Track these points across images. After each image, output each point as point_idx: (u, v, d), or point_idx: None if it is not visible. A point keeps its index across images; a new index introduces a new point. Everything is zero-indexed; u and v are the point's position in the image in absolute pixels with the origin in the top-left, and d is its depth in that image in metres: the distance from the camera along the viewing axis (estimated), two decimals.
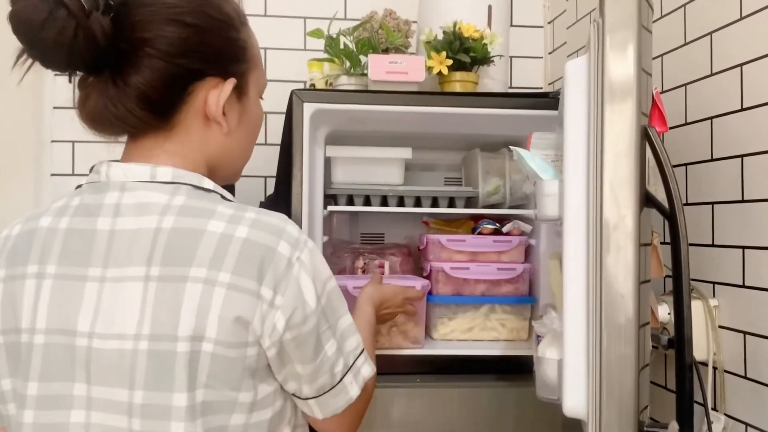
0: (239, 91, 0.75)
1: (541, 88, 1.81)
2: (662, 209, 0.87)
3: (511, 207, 1.50)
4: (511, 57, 1.76)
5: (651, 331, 1.06)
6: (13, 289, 0.69)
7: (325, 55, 1.43)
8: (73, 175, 1.70)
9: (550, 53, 1.81)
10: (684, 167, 1.19)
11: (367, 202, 1.43)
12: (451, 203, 1.46)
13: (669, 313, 1.14)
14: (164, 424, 0.64)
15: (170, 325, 0.64)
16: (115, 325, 0.65)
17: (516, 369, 1.34)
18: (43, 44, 0.64)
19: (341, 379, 0.74)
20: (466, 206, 1.48)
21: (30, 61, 0.66)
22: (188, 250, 0.65)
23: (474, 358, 1.36)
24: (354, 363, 0.75)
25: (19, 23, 0.64)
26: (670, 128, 1.20)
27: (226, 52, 0.73)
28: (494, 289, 1.42)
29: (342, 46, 1.41)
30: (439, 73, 1.37)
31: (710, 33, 1.13)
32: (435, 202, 1.45)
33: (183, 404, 0.64)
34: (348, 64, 1.40)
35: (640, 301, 0.85)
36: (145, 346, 0.64)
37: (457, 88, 1.38)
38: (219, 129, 0.74)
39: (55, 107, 1.70)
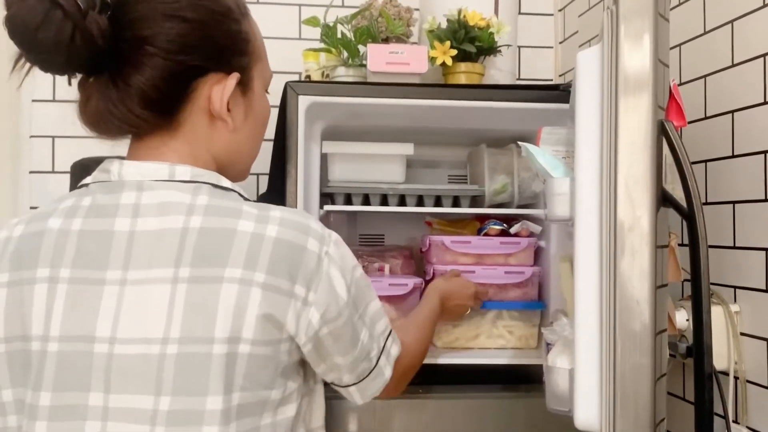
0: (243, 86, 0.77)
1: (552, 80, 1.81)
2: (680, 209, 0.87)
3: (519, 206, 1.50)
4: (519, 47, 1.77)
5: (668, 339, 1.06)
6: (21, 294, 0.69)
7: (322, 45, 1.43)
8: (53, 172, 1.70)
9: (560, 43, 1.81)
10: (703, 164, 1.19)
11: (366, 201, 1.43)
12: (456, 202, 1.46)
13: (687, 320, 1.14)
14: (194, 429, 0.65)
15: (205, 327, 0.66)
16: (139, 329, 0.66)
17: (525, 379, 1.34)
18: (40, 47, 0.65)
19: (377, 363, 0.81)
20: (472, 205, 1.48)
21: (28, 65, 0.67)
22: (221, 250, 0.67)
23: (480, 368, 1.36)
24: (385, 345, 0.82)
25: (15, 27, 0.65)
26: (689, 122, 1.20)
27: (228, 46, 0.75)
28: (501, 293, 1.42)
29: (339, 36, 1.41)
30: (443, 64, 1.37)
31: (731, 21, 1.13)
32: (438, 202, 1.45)
33: (218, 407, 0.65)
34: (346, 54, 1.40)
35: (656, 307, 0.85)
36: (174, 350, 0.65)
37: (462, 80, 1.38)
38: (225, 126, 0.76)
39: (34, 100, 1.70)
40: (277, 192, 1.29)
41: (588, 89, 0.89)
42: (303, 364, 0.76)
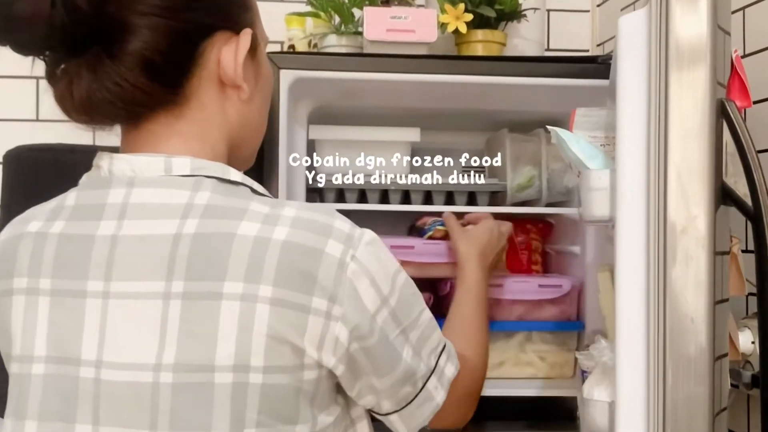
0: (252, 46, 0.78)
1: (588, 50, 1.81)
2: (744, 207, 0.87)
3: (548, 204, 1.50)
4: (548, 11, 1.76)
5: (729, 365, 1.06)
6: None
7: (308, 9, 1.43)
8: None
9: (598, 6, 1.81)
10: None
11: (363, 198, 1.43)
12: (471, 200, 1.46)
13: (753, 342, 1.14)
14: None
15: (203, 352, 0.66)
16: (128, 352, 0.67)
17: (557, 414, 1.34)
18: (15, 22, 0.66)
19: (424, 385, 0.80)
20: (491, 203, 1.48)
21: None
22: (218, 260, 0.68)
23: (504, 400, 1.36)
24: (437, 364, 0.81)
25: None
26: (755, 102, 1.20)
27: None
28: (534, 311, 1.42)
29: None
30: (456, 31, 1.37)
31: None
32: (450, 199, 1.45)
33: None
34: (337, 19, 1.40)
35: (715, 326, 0.85)
36: (169, 379, 0.66)
37: (479, 50, 1.38)
38: (237, 95, 0.77)
39: None
40: None
41: (632, 62, 0.89)
42: (340, 392, 0.77)
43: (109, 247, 0.69)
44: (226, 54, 0.75)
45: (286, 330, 0.68)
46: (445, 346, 0.83)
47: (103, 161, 0.74)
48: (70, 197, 0.74)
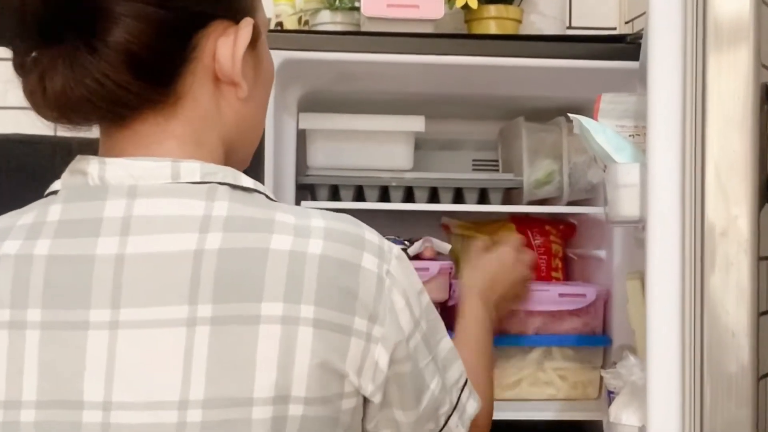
0: (253, 37, 0.77)
1: (615, 29, 1.81)
2: None
3: (570, 203, 1.50)
4: None
5: None
6: None
7: None
8: None
9: None
10: None
11: (360, 195, 1.43)
12: (483, 197, 1.46)
13: None
14: None
15: (240, 384, 0.66)
16: (144, 390, 0.66)
17: None
18: None
19: (446, 423, 0.81)
20: (505, 201, 1.48)
21: None
22: (251, 279, 0.67)
23: (520, 425, 1.36)
24: (459, 399, 0.82)
25: None
26: None
27: None
28: (554, 324, 1.42)
29: None
30: (466, 6, 1.37)
31: None
32: (459, 196, 1.45)
33: None
34: None
35: (758, 341, 0.85)
36: (198, 417, 0.65)
37: (492, 28, 1.39)
38: (234, 92, 0.76)
39: None
40: None
41: (665, 41, 0.89)
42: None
43: (113, 269, 0.67)
44: (223, 47, 0.74)
45: (329, 355, 0.68)
46: (467, 380, 0.84)
47: (90, 167, 0.72)
48: (53, 211, 0.71)
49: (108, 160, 0.72)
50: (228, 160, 0.78)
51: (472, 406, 0.85)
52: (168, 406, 0.65)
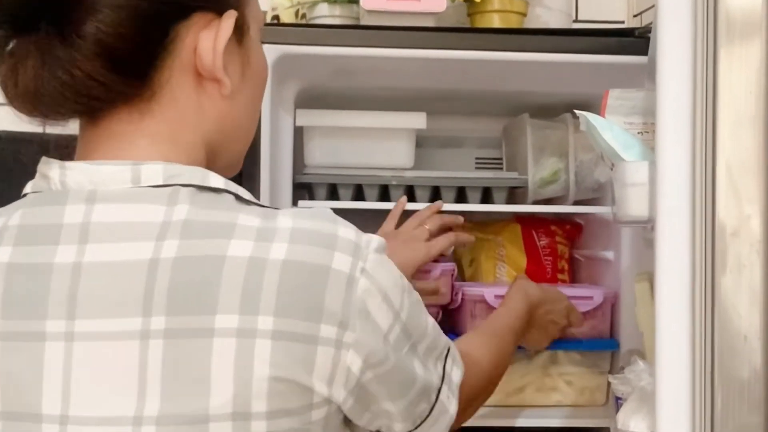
0: (239, 30, 0.77)
1: (623, 22, 1.81)
2: None
3: (576, 202, 1.50)
4: None
5: None
6: None
7: None
8: None
9: None
10: None
11: (359, 194, 1.44)
12: (486, 197, 1.46)
13: None
14: None
15: (194, 400, 0.65)
16: (99, 404, 0.66)
17: None
18: None
19: (437, 397, 0.82)
20: (509, 201, 1.48)
21: None
22: (206, 289, 0.66)
23: None
24: (444, 370, 0.84)
25: None
26: None
27: None
28: None
29: None
30: None
31: None
32: (461, 195, 1.45)
33: None
34: None
35: None
36: None
37: (496, 22, 1.38)
38: (217, 90, 0.75)
39: None
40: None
41: (674, 35, 0.89)
42: (348, 424, 0.76)
43: (70, 278, 0.67)
44: (205, 40, 0.73)
45: (292, 367, 0.67)
46: (449, 349, 0.86)
47: (52, 171, 0.71)
48: (15, 216, 0.71)
49: (69, 164, 0.72)
50: (212, 162, 0.77)
51: (456, 374, 0.86)
52: (123, 421, 0.65)
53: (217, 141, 0.77)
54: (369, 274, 0.71)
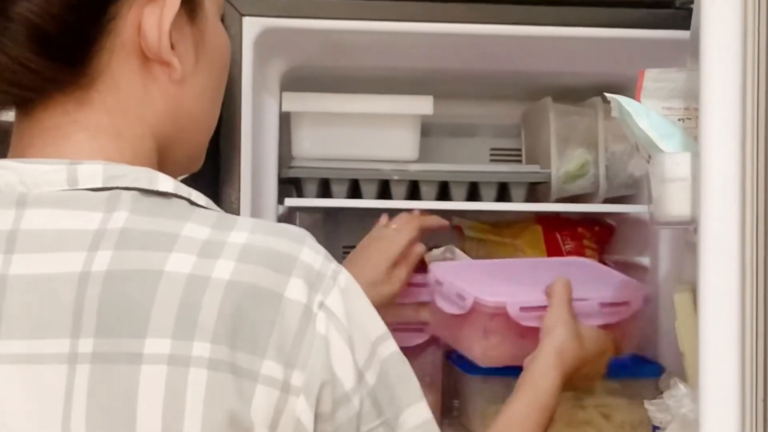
0: (191, 7, 0.77)
1: None
2: None
3: (607, 200, 1.50)
4: None
5: None
6: None
7: None
8: None
9: None
10: None
11: (355, 191, 1.44)
12: (503, 194, 1.46)
13: None
14: None
15: None
16: None
17: None
18: None
19: None
20: (529, 198, 1.48)
21: None
22: (136, 309, 0.66)
23: None
24: None
25: None
26: None
27: None
28: None
29: None
30: None
31: None
32: (474, 192, 1.45)
33: None
34: None
35: None
36: None
37: None
38: (166, 74, 0.76)
39: None
40: (205, 179, 1.29)
41: (722, 6, 0.89)
42: None
43: None
44: (149, 16, 0.73)
45: (231, 403, 0.66)
46: None
47: None
48: None
49: (1, 162, 0.72)
50: (165, 157, 0.77)
51: None
52: None
53: (169, 133, 0.77)
54: (329, 310, 0.69)
